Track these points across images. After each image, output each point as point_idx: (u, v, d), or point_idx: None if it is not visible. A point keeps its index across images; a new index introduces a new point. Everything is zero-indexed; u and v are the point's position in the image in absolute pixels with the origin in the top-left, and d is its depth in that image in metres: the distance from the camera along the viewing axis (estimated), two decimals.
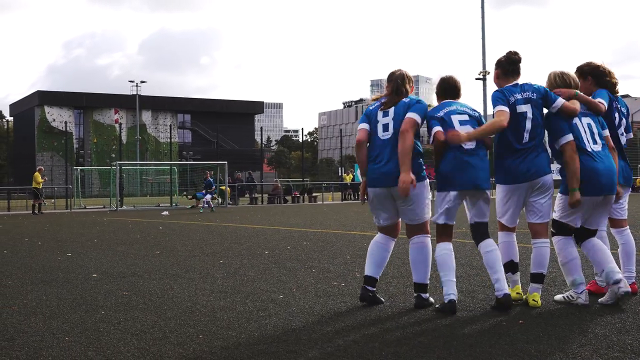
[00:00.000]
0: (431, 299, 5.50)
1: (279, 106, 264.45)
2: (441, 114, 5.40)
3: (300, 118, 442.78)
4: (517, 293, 5.43)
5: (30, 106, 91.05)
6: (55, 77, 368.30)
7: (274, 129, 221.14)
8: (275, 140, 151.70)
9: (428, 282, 5.46)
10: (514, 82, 5.43)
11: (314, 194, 40.59)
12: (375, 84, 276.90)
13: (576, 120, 5.34)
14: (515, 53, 5.51)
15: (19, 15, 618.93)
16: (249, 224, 17.80)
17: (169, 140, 58.62)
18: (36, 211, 27.49)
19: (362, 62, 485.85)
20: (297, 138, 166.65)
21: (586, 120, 5.42)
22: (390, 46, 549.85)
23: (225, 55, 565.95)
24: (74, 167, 43.06)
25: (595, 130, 5.41)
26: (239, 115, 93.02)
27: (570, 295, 5.34)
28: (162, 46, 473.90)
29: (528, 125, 5.25)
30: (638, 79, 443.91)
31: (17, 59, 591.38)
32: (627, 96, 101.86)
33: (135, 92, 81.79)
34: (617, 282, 5.11)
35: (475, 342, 4.23)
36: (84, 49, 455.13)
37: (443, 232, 5.40)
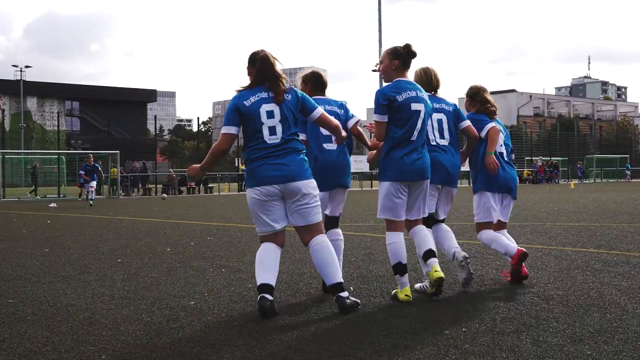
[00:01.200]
0: (351, 298, 4.96)
1: (171, 95, 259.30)
2: None
3: (194, 107, 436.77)
4: (406, 295, 5.20)
5: None
6: None
7: (167, 118, 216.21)
8: (168, 130, 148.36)
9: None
10: (406, 78, 5.35)
11: (209, 185, 39.66)
12: None
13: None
14: (412, 46, 5.36)
15: None
16: (146, 217, 16.88)
17: (56, 128, 55.83)
18: None
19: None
20: (190, 127, 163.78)
21: (438, 116, 5.66)
22: (284, 37, 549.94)
23: (116, 42, 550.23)
24: None
25: (445, 126, 5.68)
26: (131, 103, 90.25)
27: (425, 286, 5.52)
28: (49, 31, 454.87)
29: (419, 124, 5.24)
30: (521, 75, 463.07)
31: None
32: (513, 91, 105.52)
33: (19, 78, 77.89)
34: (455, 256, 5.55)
35: (421, 357, 3.76)
36: None
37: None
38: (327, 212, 5.60)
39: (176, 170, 51.73)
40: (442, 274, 5.24)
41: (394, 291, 5.37)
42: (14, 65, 78.28)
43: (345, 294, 4.90)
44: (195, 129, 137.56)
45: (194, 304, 5.34)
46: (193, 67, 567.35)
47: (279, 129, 4.87)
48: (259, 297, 4.81)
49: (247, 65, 5.05)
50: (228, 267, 7.35)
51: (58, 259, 8.27)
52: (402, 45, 5.33)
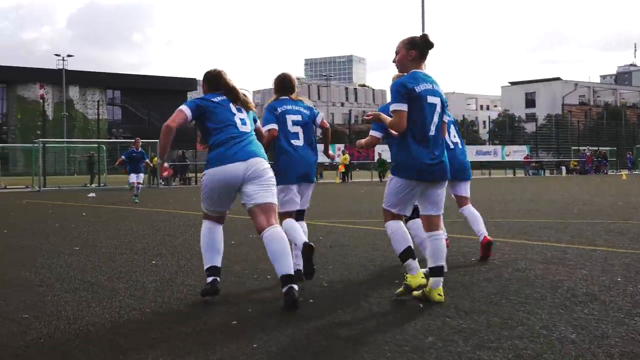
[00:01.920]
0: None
1: None
2: (279, 111, 5.94)
3: None
4: (422, 277, 5.11)
5: None
6: None
7: None
8: None
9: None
10: (422, 70, 5.11)
11: None
12: (309, 63, 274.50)
13: None
14: (430, 37, 5.11)
15: None
16: (185, 209, 16.15)
17: (97, 117, 55.95)
18: None
19: (296, 40, 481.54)
20: None
21: None
22: (324, 25, 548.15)
23: (157, 31, 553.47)
24: None
25: None
26: (172, 92, 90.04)
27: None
28: (92, 21, 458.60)
29: (435, 118, 5.03)
30: (563, 63, 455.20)
31: None
32: (558, 79, 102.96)
33: (61, 67, 78.37)
34: None
35: None
36: (9, 22, 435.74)
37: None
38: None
39: None
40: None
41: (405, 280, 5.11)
42: (57, 55, 78.76)
43: (296, 286, 4.93)
44: None
45: (236, 324, 4.51)
46: (232, 56, 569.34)
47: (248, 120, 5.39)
48: (210, 280, 5.21)
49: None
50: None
51: (87, 260, 7.52)
52: (419, 35, 5.13)
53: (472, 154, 48.72)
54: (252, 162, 5.10)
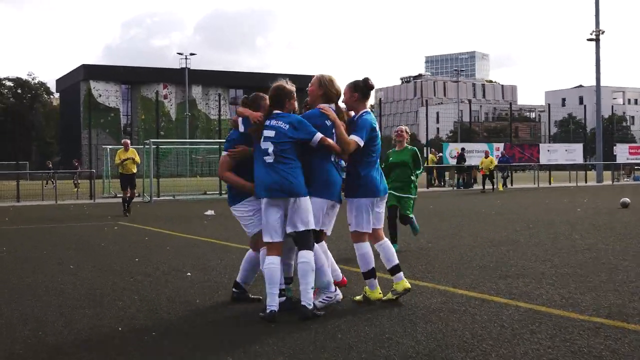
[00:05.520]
0: None
1: None
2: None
3: None
4: (380, 293, 6.18)
5: (76, 81, 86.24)
6: (113, 57, 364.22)
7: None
8: None
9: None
10: (367, 109, 6.19)
11: None
12: (429, 60, 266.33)
13: None
14: (370, 80, 6.12)
15: None
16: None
17: (219, 116, 52.20)
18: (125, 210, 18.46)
19: (416, 37, 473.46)
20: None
21: None
22: (445, 21, 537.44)
23: (278, 35, 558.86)
24: (103, 146, 37.52)
25: None
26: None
27: (328, 297, 5.98)
28: (218, 27, 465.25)
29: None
30: None
31: (74, 39, 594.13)
32: None
33: (184, 66, 76.19)
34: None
35: None
36: (141, 29, 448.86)
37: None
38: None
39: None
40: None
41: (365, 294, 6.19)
42: (179, 53, 76.71)
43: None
44: None
45: None
46: (352, 55, 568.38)
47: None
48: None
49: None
50: None
51: None
52: (361, 79, 6.11)
53: None
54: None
